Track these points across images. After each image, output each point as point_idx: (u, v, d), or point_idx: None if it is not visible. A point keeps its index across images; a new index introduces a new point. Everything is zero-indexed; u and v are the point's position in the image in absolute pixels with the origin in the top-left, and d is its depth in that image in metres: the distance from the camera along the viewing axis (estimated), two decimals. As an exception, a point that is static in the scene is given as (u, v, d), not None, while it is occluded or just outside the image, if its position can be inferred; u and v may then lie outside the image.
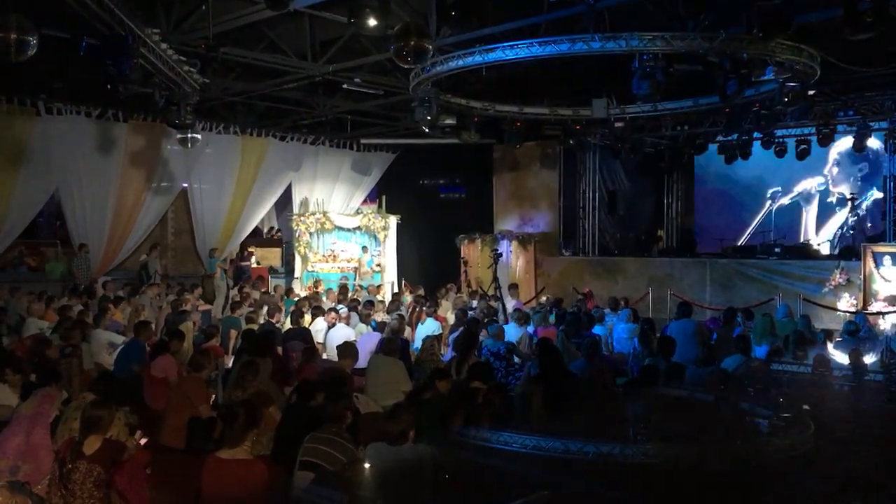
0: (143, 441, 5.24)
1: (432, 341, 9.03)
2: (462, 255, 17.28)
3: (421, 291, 14.36)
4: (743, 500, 4.23)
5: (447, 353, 9.77)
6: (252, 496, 4.22)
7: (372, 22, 8.10)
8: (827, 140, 14.70)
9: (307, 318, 11.02)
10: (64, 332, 8.51)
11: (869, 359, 8.17)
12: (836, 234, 16.99)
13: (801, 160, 15.78)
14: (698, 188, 19.63)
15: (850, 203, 15.99)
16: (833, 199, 17.58)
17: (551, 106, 13.74)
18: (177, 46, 9.70)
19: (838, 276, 13.31)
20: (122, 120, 14.10)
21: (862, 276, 13.05)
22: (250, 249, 17.17)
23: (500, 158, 18.39)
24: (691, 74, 10.55)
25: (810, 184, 17.85)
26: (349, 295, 13.56)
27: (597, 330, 10.19)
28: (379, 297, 13.88)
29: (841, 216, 17.02)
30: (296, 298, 12.85)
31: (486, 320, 10.65)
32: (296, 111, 15.43)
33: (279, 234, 18.73)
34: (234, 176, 16.12)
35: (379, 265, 16.59)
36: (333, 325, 10.38)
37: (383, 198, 17.47)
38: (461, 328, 9.73)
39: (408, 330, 10.99)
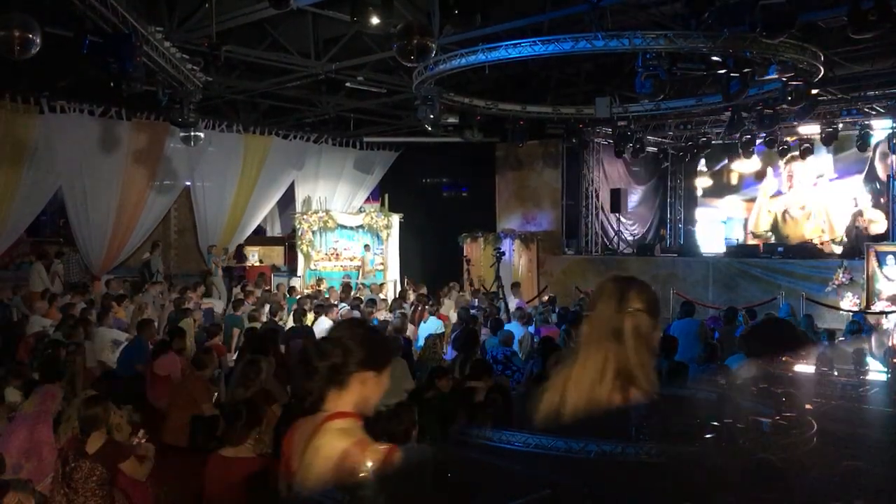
0: (145, 439, 5.23)
1: (434, 340, 9.05)
2: (465, 254, 17.28)
3: (423, 290, 14.36)
4: (744, 498, 4.23)
5: (449, 351, 9.77)
6: (254, 494, 4.23)
7: (375, 20, 8.11)
8: (830, 139, 14.68)
9: (310, 316, 11.03)
10: (67, 329, 8.52)
11: (871, 358, 8.15)
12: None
13: (803, 159, 15.76)
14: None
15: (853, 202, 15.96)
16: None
17: (554, 104, 13.73)
18: (180, 44, 9.71)
19: (841, 275, 13.28)
20: (125, 118, 14.07)
21: (865, 276, 13.03)
22: (249, 248, 17.12)
23: (503, 157, 18.37)
24: (694, 73, 10.55)
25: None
26: (352, 293, 13.57)
27: (599, 329, 10.15)
28: (381, 296, 13.88)
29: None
30: (298, 297, 12.86)
31: (486, 319, 10.64)
32: (299, 109, 15.43)
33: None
34: (237, 174, 16.09)
35: (381, 264, 16.59)
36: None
37: (386, 196, 17.44)
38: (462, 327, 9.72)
39: (410, 328, 10.99)
